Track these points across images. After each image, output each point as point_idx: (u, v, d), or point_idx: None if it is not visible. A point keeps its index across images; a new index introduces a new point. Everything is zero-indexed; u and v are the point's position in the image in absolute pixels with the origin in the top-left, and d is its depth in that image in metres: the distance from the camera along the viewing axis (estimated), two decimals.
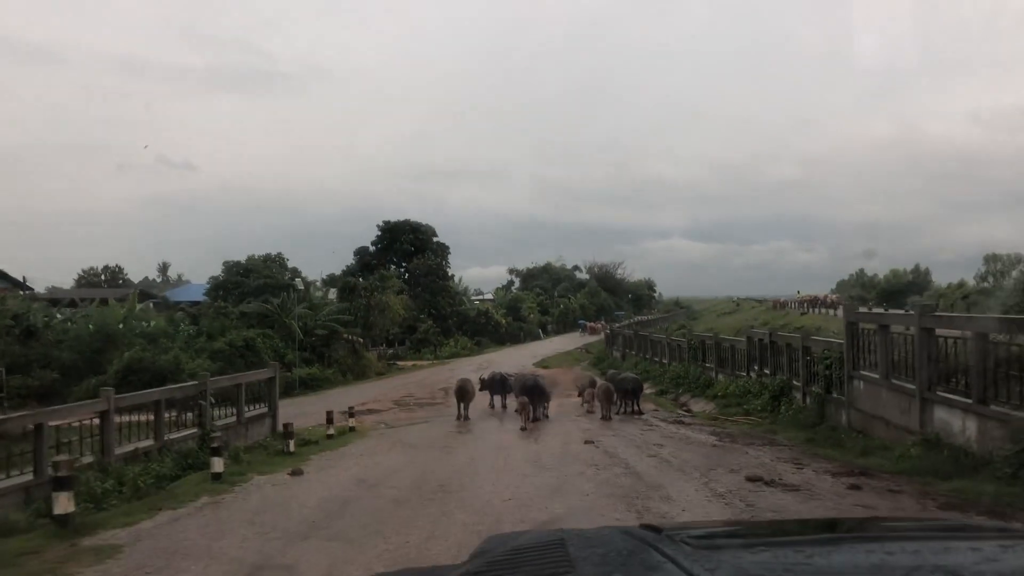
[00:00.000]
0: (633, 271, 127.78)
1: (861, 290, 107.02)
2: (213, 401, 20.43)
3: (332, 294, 59.23)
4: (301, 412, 30.38)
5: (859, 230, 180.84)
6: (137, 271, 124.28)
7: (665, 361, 36.61)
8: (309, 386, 40.39)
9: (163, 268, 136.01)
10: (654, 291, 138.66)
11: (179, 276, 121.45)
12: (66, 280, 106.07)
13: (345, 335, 47.04)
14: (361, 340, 48.20)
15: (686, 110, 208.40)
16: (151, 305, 66.36)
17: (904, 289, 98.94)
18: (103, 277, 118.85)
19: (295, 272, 59.46)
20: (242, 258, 61.49)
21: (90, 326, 41.90)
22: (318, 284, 61.99)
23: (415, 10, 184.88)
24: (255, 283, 56.49)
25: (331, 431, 20.43)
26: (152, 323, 47.68)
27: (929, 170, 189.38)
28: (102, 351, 41.06)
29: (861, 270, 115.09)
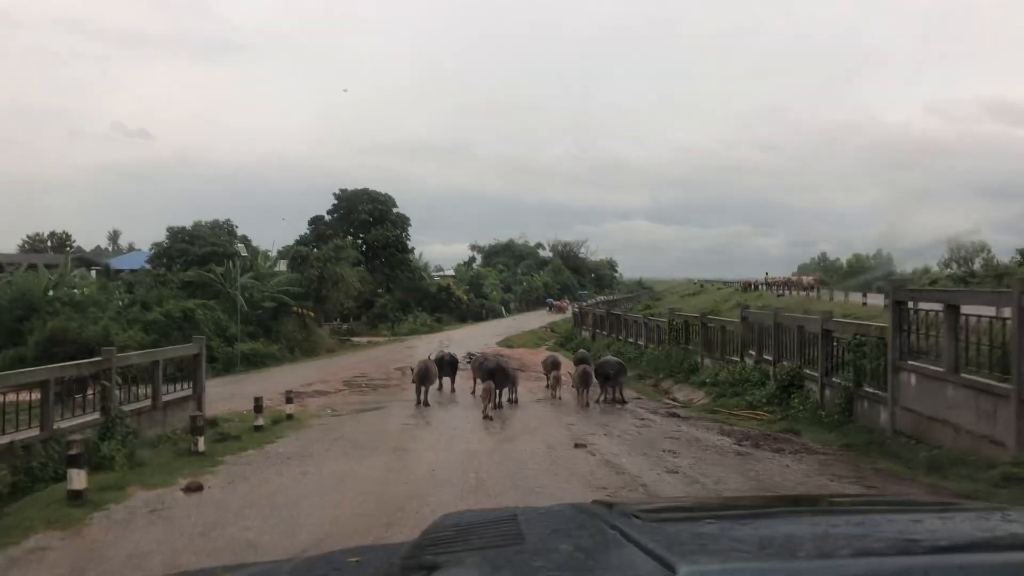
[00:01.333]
0: (596, 250, 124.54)
1: (823, 274, 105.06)
2: (120, 381, 16.78)
3: (283, 266, 54.91)
4: (237, 393, 26.47)
5: (815, 215, 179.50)
6: (89, 239, 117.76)
7: (641, 343, 33.16)
8: (252, 363, 36.32)
9: (113, 236, 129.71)
10: (615, 271, 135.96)
11: (130, 245, 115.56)
12: (9, 246, 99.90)
13: (295, 308, 42.90)
14: (312, 314, 44.06)
15: (648, 92, 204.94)
16: (93, 273, 61.35)
17: (868, 274, 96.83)
18: (49, 244, 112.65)
19: (244, 240, 54.91)
20: (188, 224, 56.98)
21: (8, 292, 37.37)
22: (271, 254, 57.50)
23: None
24: (201, 251, 51.70)
25: (260, 421, 16.54)
26: (85, 291, 43.22)
27: (885, 158, 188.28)
28: (24, 319, 36.64)
29: (823, 254, 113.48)
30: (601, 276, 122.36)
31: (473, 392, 22.92)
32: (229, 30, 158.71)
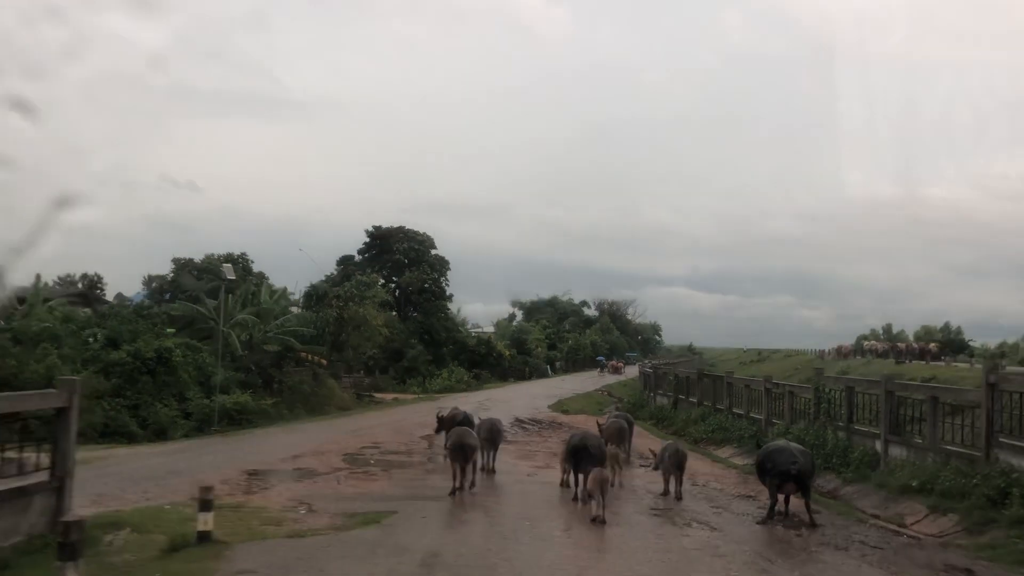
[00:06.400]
0: (643, 312, 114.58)
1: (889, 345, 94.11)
2: None
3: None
4: (185, 469, 17.01)
5: (859, 290, 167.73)
6: (129, 285, 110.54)
7: (758, 417, 22.92)
8: (236, 421, 26.69)
9: (148, 281, 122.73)
10: (660, 336, 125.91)
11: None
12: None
13: (303, 353, 33.40)
14: (325, 363, 34.42)
15: (688, 160, 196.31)
16: (89, 310, 52.48)
17: (941, 347, 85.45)
18: (80, 285, 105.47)
19: (260, 276, 45.82)
20: (199, 257, 48.60)
21: None
22: (292, 296, 48.25)
23: (426, 47, 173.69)
24: (209, 286, 42.70)
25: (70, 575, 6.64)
26: (53, 324, 34.03)
27: (929, 233, 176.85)
28: None
29: (889, 325, 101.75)
30: (647, 340, 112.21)
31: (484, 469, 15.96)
32: (279, 89, 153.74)
